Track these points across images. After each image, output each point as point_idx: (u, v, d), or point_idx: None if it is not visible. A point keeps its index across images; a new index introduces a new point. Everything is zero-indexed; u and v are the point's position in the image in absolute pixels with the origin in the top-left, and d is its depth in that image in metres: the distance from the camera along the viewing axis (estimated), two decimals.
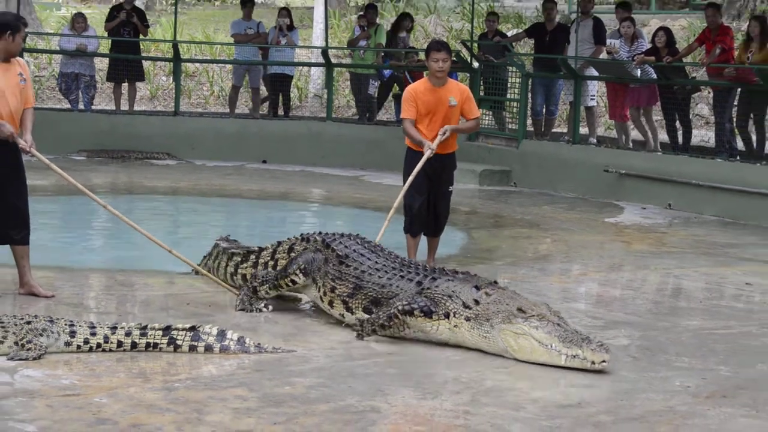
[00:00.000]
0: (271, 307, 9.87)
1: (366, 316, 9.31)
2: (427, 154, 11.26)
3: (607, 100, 20.98)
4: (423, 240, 12.07)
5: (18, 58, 10.15)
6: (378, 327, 8.98)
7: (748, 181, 16.71)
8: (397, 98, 23.66)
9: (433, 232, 11.74)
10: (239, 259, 10.83)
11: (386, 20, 31.57)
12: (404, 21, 23.64)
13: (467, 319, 8.82)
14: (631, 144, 19.90)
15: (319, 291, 9.69)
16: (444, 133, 11.30)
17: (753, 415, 7.64)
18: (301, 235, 10.36)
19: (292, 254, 10.12)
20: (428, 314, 8.92)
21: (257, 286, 9.88)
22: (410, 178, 11.42)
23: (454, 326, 8.86)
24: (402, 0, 37.26)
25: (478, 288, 9.02)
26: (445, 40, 29.81)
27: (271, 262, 10.42)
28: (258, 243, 12.02)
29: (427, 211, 11.60)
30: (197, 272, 10.95)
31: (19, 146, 9.85)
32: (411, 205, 11.63)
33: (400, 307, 8.93)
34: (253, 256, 10.71)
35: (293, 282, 9.74)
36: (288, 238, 10.49)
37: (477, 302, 8.84)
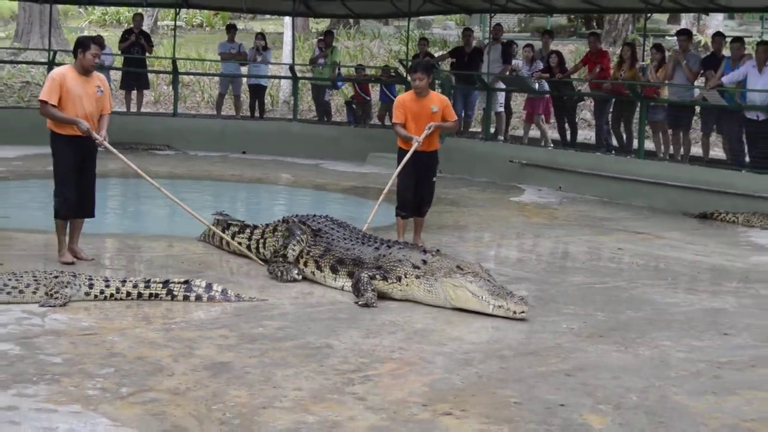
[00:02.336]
0: (301, 276, 9.57)
1: (332, 274, 9.30)
2: (414, 145, 11.14)
3: (524, 110, 20.92)
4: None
5: (98, 73, 10.07)
6: (360, 290, 8.89)
7: (620, 170, 16.79)
8: (349, 104, 23.59)
9: (419, 213, 11.64)
10: (236, 229, 10.74)
11: (341, 43, 31.49)
12: (327, 37, 23.66)
13: (417, 277, 8.85)
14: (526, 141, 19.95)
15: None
16: (429, 128, 11.20)
17: (622, 350, 7.69)
18: (282, 218, 10.35)
19: (276, 233, 10.08)
20: (384, 279, 8.90)
21: (281, 255, 9.69)
22: (399, 167, 11.31)
23: (406, 285, 8.89)
24: (353, 27, 37.10)
25: (425, 252, 9.06)
26: (388, 59, 29.86)
27: (261, 240, 10.37)
28: (241, 216, 11.99)
29: (414, 198, 11.49)
30: (223, 240, 10.75)
31: (94, 140, 9.75)
32: (402, 193, 11.50)
33: (365, 276, 8.91)
34: (248, 230, 10.63)
35: (297, 244, 9.64)
36: (273, 221, 10.43)
37: (425, 262, 8.90)
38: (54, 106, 9.65)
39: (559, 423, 6.03)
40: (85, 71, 9.82)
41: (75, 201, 9.93)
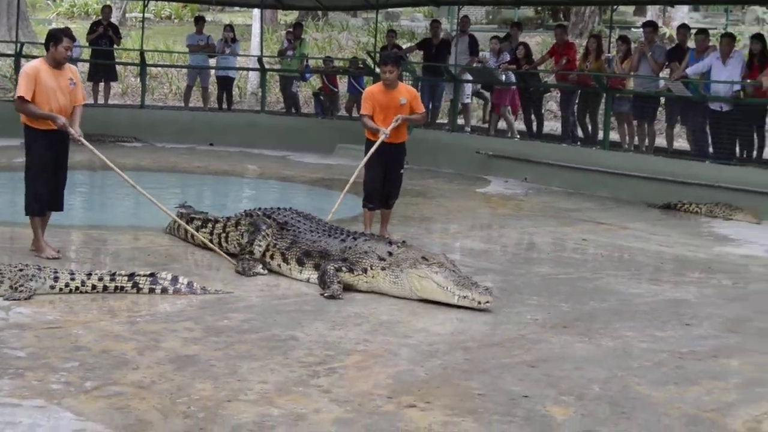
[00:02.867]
0: (265, 270, 9.52)
1: (298, 266, 9.28)
2: (381, 137, 11.09)
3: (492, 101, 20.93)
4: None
5: (70, 65, 9.96)
6: (326, 282, 8.86)
7: (586, 161, 16.86)
8: (317, 96, 23.54)
9: (386, 205, 11.60)
10: (199, 224, 10.66)
11: (309, 35, 31.41)
12: (296, 29, 23.62)
13: (383, 269, 8.84)
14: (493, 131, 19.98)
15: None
16: (397, 120, 11.16)
17: (586, 341, 7.71)
18: (245, 211, 10.27)
19: (239, 227, 10.01)
20: (350, 271, 8.89)
21: (248, 252, 9.60)
22: (365, 158, 11.26)
23: (372, 277, 8.87)
24: (321, 19, 37.02)
25: (390, 243, 9.06)
26: (356, 51, 29.82)
27: (223, 234, 10.29)
28: (207, 208, 11.94)
29: (382, 190, 11.45)
30: (191, 235, 10.64)
31: (69, 135, 9.67)
32: (370, 184, 11.45)
33: (331, 268, 8.89)
34: (210, 224, 10.55)
35: (263, 239, 9.58)
36: (235, 214, 10.36)
37: (390, 254, 8.89)
38: (30, 101, 9.56)
39: (522, 414, 6.04)
40: (57, 64, 9.74)
41: (48, 196, 9.85)
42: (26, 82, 9.58)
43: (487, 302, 8.42)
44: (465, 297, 8.44)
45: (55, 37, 9.72)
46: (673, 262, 11.26)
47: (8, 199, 13.52)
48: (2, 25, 30.88)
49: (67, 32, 9.85)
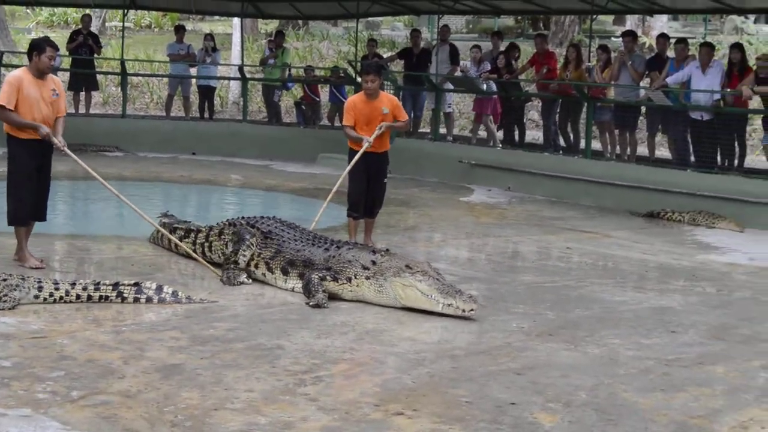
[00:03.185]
0: (250, 280, 9.50)
1: (282, 275, 9.26)
2: (365, 145, 11.08)
3: (473, 111, 20.98)
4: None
5: (52, 76, 9.91)
6: (311, 291, 8.84)
7: (568, 170, 16.91)
8: (298, 105, 23.53)
9: (370, 214, 11.58)
10: (182, 233, 10.62)
11: (290, 44, 31.39)
12: (278, 37, 23.60)
13: (367, 278, 8.83)
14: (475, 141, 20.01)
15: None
16: (380, 128, 11.16)
17: (572, 348, 7.73)
18: (227, 220, 10.25)
19: (223, 237, 9.98)
20: (335, 279, 8.88)
21: (232, 262, 9.54)
22: (349, 167, 11.25)
23: (356, 286, 8.86)
24: (302, 28, 37.03)
25: (374, 252, 9.05)
26: (337, 60, 29.84)
27: (206, 244, 10.26)
28: (190, 217, 11.92)
29: (366, 199, 11.44)
30: (176, 244, 10.57)
31: (53, 145, 9.63)
32: (354, 194, 11.42)
33: (315, 277, 8.88)
34: (192, 234, 10.52)
35: (247, 249, 9.55)
36: (217, 224, 10.33)
37: (374, 263, 8.88)
38: (11, 110, 9.51)
39: (509, 422, 6.04)
40: (40, 74, 9.69)
41: (31, 206, 9.80)
42: (9, 91, 9.52)
43: (472, 310, 8.42)
44: (449, 305, 8.45)
45: (38, 46, 9.67)
46: (657, 270, 11.30)
47: None
48: None
49: (50, 42, 9.80)
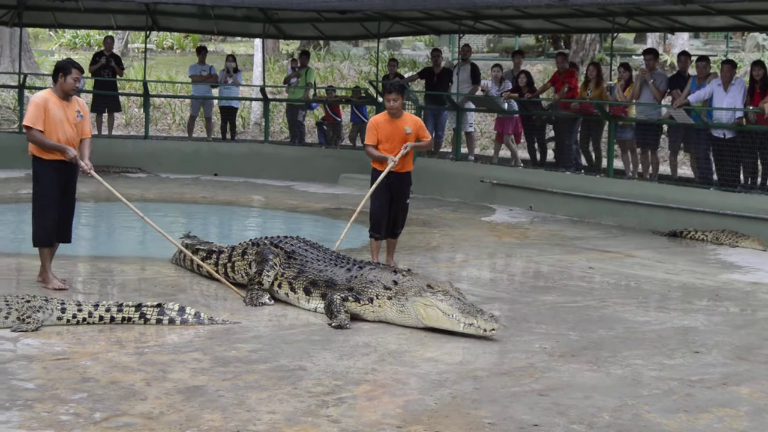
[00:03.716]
0: (272, 301, 9.52)
1: (305, 295, 9.27)
2: (390, 165, 11.10)
3: (494, 130, 21.00)
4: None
5: (77, 97, 9.97)
6: (333, 312, 8.85)
7: (590, 189, 16.87)
8: (320, 125, 23.58)
9: (392, 234, 11.59)
10: (204, 254, 10.64)
11: (311, 64, 31.47)
12: (302, 57, 23.62)
13: (389, 298, 8.82)
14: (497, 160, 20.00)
15: None
16: (406, 148, 11.18)
17: (594, 369, 7.69)
18: (250, 240, 10.26)
19: (246, 257, 10.00)
20: (357, 300, 8.88)
21: (256, 282, 9.56)
22: (373, 187, 11.24)
23: (378, 306, 8.86)
24: (323, 48, 37.15)
25: (396, 272, 9.04)
26: (358, 80, 29.90)
27: (229, 264, 10.27)
28: (213, 238, 11.94)
29: (388, 220, 11.45)
30: (202, 268, 10.57)
31: (79, 167, 9.69)
32: (376, 214, 11.44)
33: (338, 298, 8.89)
34: (215, 254, 10.54)
35: (271, 269, 9.57)
36: (240, 243, 10.35)
37: (395, 283, 8.87)
38: (40, 131, 9.57)
39: None
40: (65, 95, 9.75)
41: (55, 227, 9.84)
42: (36, 112, 9.57)
43: (493, 330, 8.40)
44: (471, 324, 8.43)
45: (64, 68, 9.73)
46: (680, 289, 11.24)
47: (14, 230, 13.55)
48: (5, 57, 30.97)
49: (76, 64, 9.85)
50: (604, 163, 17.80)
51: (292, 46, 37.64)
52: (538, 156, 19.61)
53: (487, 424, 6.33)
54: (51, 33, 41.08)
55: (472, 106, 20.52)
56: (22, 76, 21.79)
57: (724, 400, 7.04)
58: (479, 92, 20.52)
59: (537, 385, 7.19)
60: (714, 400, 7.04)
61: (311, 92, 23.27)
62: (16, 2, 21.58)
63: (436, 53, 21.83)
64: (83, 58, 29.14)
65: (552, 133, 19.98)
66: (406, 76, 24.30)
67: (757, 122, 15.77)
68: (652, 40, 32.91)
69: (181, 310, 8.56)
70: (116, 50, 25.62)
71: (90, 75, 22.20)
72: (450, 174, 19.04)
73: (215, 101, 23.39)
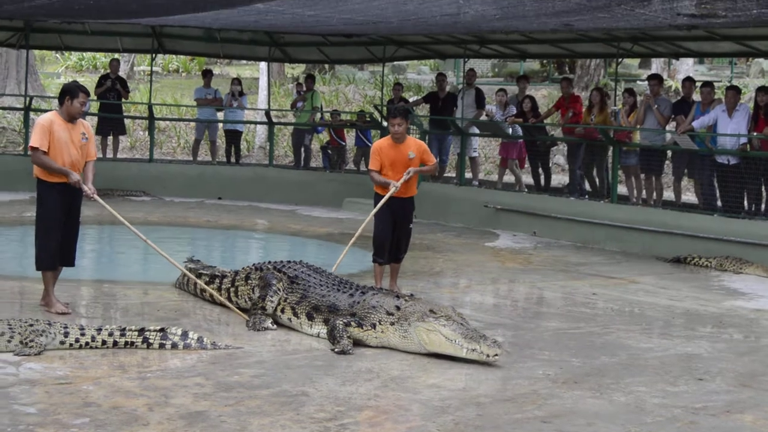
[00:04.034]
0: (275, 326, 9.50)
1: (308, 321, 9.26)
2: (392, 190, 11.13)
3: (499, 155, 21.05)
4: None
5: (82, 120, 9.99)
6: (336, 337, 8.85)
7: (594, 215, 16.88)
8: (324, 149, 23.62)
9: (396, 259, 11.60)
10: (206, 279, 10.64)
11: (316, 88, 31.53)
12: (308, 81, 23.67)
13: (391, 324, 8.82)
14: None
15: None
16: (408, 173, 11.21)
17: (597, 396, 7.68)
18: (254, 265, 10.26)
19: (249, 281, 10.00)
20: (360, 326, 8.88)
21: (259, 308, 9.57)
22: (374, 211, 11.28)
23: (381, 332, 8.85)
24: (328, 72, 37.23)
25: (398, 298, 9.04)
26: (363, 104, 29.96)
27: (232, 288, 10.27)
28: (216, 262, 11.95)
29: (391, 244, 11.46)
30: (205, 290, 10.57)
31: (83, 192, 9.71)
32: (379, 238, 11.44)
33: (340, 323, 8.88)
34: (217, 279, 10.54)
35: (274, 295, 9.56)
36: (243, 268, 10.35)
37: (398, 308, 8.87)
38: (45, 152, 9.59)
39: None
40: (70, 118, 9.79)
41: (58, 250, 9.84)
42: (41, 134, 9.60)
43: (496, 355, 8.39)
44: (473, 350, 8.41)
45: (71, 91, 9.76)
46: (684, 316, 11.22)
47: (18, 253, 13.56)
48: (11, 79, 31.10)
49: (83, 88, 9.88)
50: (608, 188, 17.79)
51: (298, 70, 37.70)
52: (542, 181, 19.62)
53: None
54: (57, 55, 41.23)
55: (477, 130, 20.56)
56: (27, 99, 21.87)
57: (728, 428, 7.02)
58: (484, 117, 20.56)
59: (540, 412, 7.17)
60: (718, 427, 7.02)
61: (318, 116, 23.31)
62: (23, 24, 21.67)
63: (441, 77, 21.89)
64: (89, 81, 29.27)
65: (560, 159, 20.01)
66: (410, 100, 24.36)
67: (761, 148, 15.78)
68: (656, 65, 32.95)
69: (184, 334, 8.56)
70: (122, 73, 25.75)
71: (95, 98, 22.27)
72: (454, 199, 19.06)
73: (220, 125, 23.44)
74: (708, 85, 17.55)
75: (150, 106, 23.45)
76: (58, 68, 40.48)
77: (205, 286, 10.45)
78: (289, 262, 10.05)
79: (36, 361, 7.89)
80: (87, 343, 8.33)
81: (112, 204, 10.35)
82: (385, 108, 21.86)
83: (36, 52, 33.20)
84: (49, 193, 9.75)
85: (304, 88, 23.31)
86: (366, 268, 12.31)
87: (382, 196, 11.24)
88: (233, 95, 22.52)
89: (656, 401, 7.59)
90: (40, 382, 7.37)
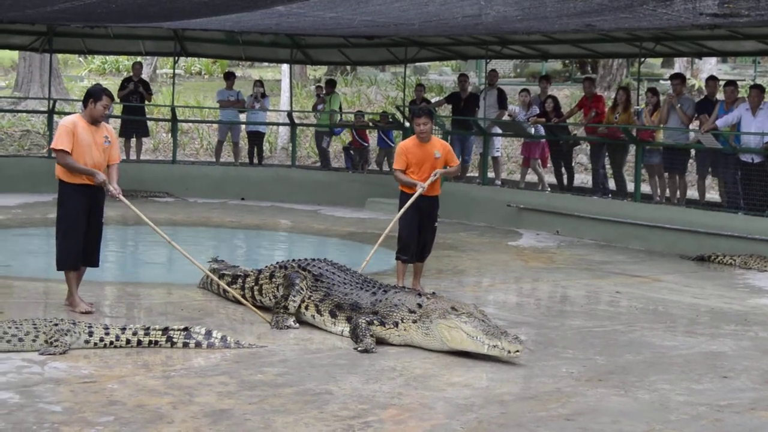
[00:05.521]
0: (298, 324, 9.52)
1: (331, 318, 9.27)
2: (419, 191, 11.14)
3: (521, 154, 21.01)
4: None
5: (105, 124, 10.03)
6: (359, 336, 8.84)
7: (617, 213, 16.83)
8: (347, 150, 23.65)
9: (420, 258, 11.61)
10: (229, 279, 10.66)
11: (338, 89, 31.56)
12: (328, 86, 23.69)
13: (414, 321, 8.82)
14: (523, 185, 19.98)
15: None
16: (435, 175, 11.22)
17: (622, 394, 7.65)
18: (278, 263, 10.26)
19: (273, 280, 10.01)
20: (382, 324, 8.87)
21: (282, 307, 9.57)
22: (401, 211, 11.26)
23: (404, 330, 8.85)
24: (350, 74, 37.25)
25: (420, 295, 9.04)
26: (385, 105, 29.96)
27: (256, 287, 10.28)
28: (240, 262, 11.97)
29: (416, 243, 11.47)
30: (225, 290, 10.59)
31: (108, 192, 9.76)
32: (405, 237, 11.45)
33: (363, 322, 8.88)
34: (240, 279, 10.56)
35: (298, 293, 9.57)
36: (267, 266, 10.37)
37: (420, 306, 8.87)
38: (69, 154, 9.64)
39: None
40: (94, 121, 9.83)
41: (80, 251, 9.88)
42: (66, 136, 9.65)
43: (517, 351, 8.36)
44: (495, 346, 8.39)
45: (95, 94, 9.80)
46: (708, 314, 11.17)
47: (43, 254, 13.61)
48: (35, 82, 31.23)
49: (107, 91, 9.91)
50: (632, 187, 17.74)
51: (320, 72, 37.76)
52: (565, 181, 19.57)
53: None
54: (80, 59, 41.34)
55: (499, 130, 20.53)
56: (51, 102, 21.97)
57: (753, 426, 6.98)
58: (506, 117, 20.53)
59: (564, 410, 7.15)
60: (743, 425, 6.98)
61: (336, 117, 23.35)
62: (46, 29, 21.77)
63: (463, 78, 21.87)
64: (112, 84, 29.35)
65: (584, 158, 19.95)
66: (433, 101, 24.31)
67: None
68: (679, 64, 32.81)
69: (208, 333, 8.58)
70: (145, 76, 25.78)
71: (119, 100, 22.35)
72: (477, 198, 19.04)
73: (242, 126, 23.49)
74: (731, 83, 17.47)
75: (173, 109, 23.51)
76: (81, 71, 40.62)
77: (226, 287, 10.46)
78: (313, 260, 10.05)
79: (61, 360, 7.92)
80: (111, 342, 8.36)
81: (136, 205, 10.38)
82: (407, 109, 21.86)
83: (59, 55, 33.30)
84: (70, 194, 9.79)
85: (324, 92, 23.35)
86: (390, 268, 12.30)
87: (408, 195, 11.25)
88: (255, 97, 22.57)
89: (681, 399, 7.55)
90: (65, 381, 7.40)
